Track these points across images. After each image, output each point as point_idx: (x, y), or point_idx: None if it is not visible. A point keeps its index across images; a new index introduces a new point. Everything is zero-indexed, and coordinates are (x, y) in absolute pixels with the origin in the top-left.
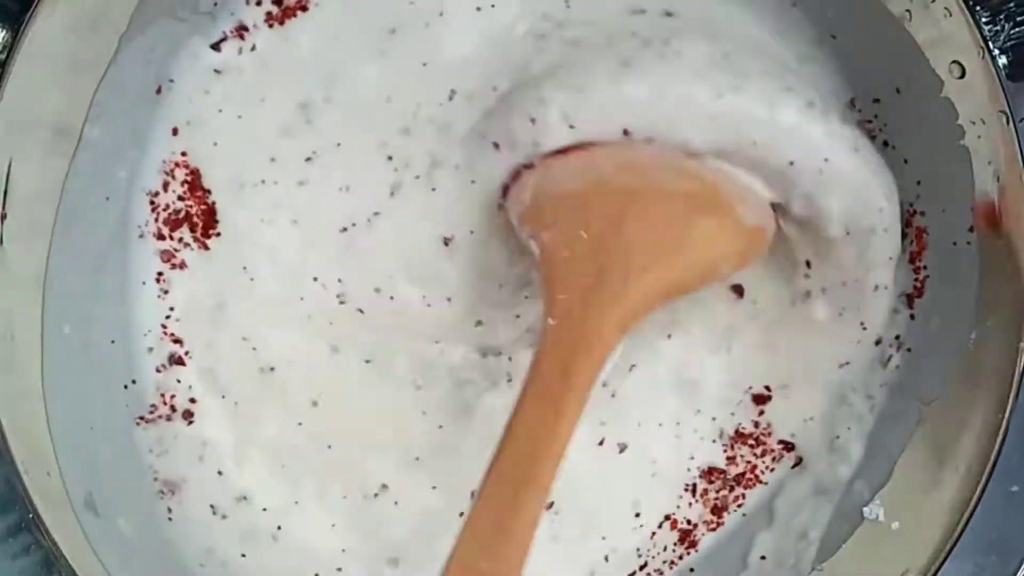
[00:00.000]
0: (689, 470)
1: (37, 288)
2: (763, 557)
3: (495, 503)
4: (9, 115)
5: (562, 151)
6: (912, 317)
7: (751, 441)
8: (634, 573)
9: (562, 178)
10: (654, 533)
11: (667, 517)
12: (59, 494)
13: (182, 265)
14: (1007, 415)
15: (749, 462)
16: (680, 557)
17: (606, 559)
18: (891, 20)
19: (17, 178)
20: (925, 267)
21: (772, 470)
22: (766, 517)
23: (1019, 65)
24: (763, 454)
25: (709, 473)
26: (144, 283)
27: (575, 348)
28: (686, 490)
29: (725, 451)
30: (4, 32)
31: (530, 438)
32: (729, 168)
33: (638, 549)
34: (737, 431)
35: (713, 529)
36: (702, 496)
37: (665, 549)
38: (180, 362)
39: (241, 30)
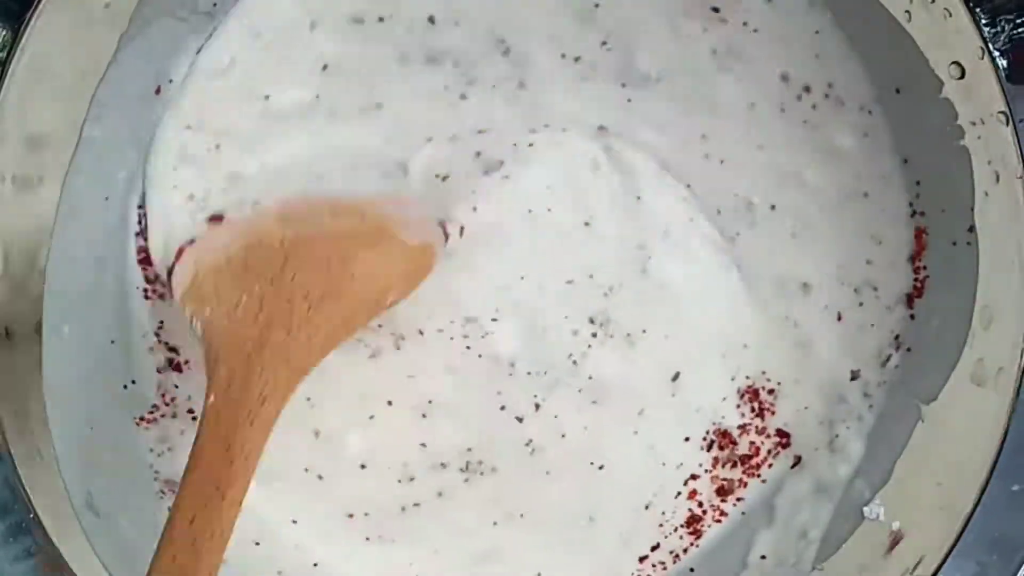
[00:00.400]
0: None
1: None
2: (763, 556)
3: None
4: (9, 113)
5: (218, 218)
6: (912, 317)
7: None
8: (645, 556)
9: (222, 247)
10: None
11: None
12: (59, 495)
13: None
14: (1008, 413)
15: (752, 442)
16: (684, 551)
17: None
18: (891, 20)
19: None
20: (925, 267)
21: (770, 465)
22: (766, 516)
23: (1019, 67)
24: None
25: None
26: (141, 287)
27: (236, 420)
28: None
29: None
30: (4, 31)
31: (194, 526)
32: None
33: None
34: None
35: (718, 520)
36: (712, 467)
37: (676, 530)
38: (178, 366)
39: None
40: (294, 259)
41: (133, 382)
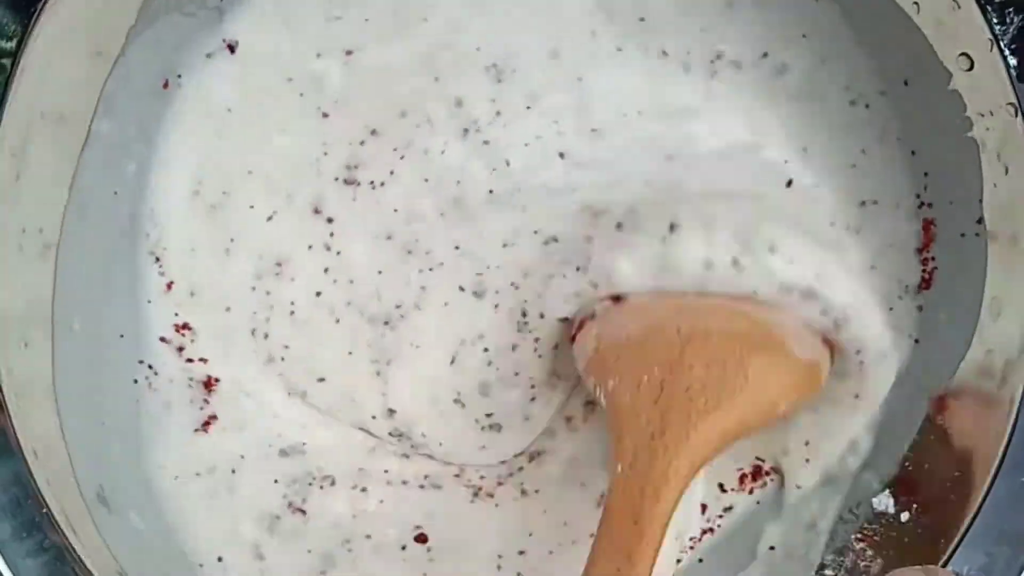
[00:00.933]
0: None
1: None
2: (772, 548)
3: None
4: (19, 108)
5: (618, 298)
6: (920, 309)
7: None
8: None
9: (622, 325)
10: None
11: None
12: (71, 489)
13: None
14: (1017, 405)
15: None
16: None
17: None
18: (899, 12)
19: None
20: (933, 259)
21: None
22: (775, 508)
23: None
24: None
25: None
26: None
27: (643, 493)
28: None
29: None
30: (14, 25)
31: None
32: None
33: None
34: None
35: (728, 509)
36: None
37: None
38: (189, 360)
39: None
40: (690, 350)
41: (146, 377)
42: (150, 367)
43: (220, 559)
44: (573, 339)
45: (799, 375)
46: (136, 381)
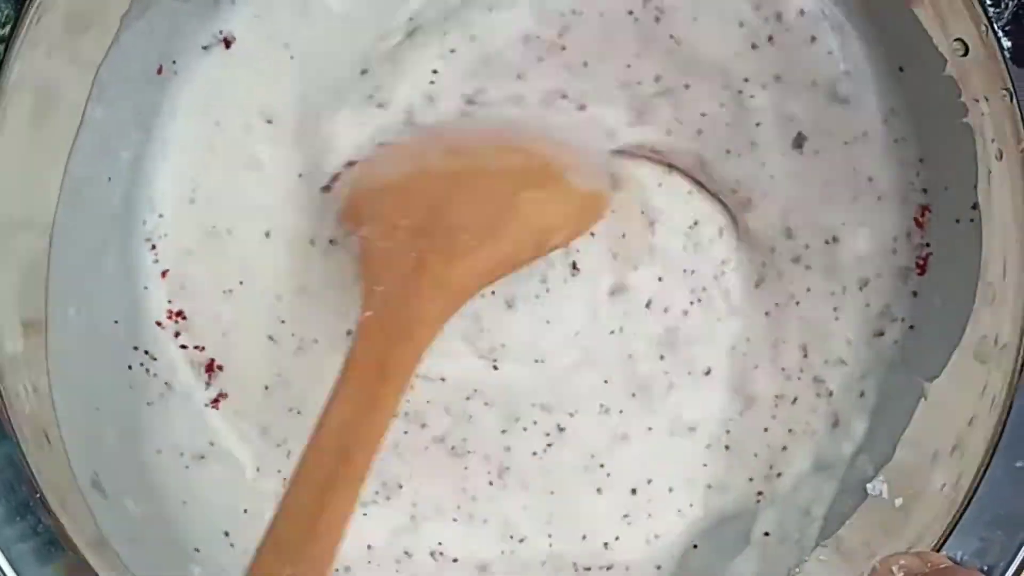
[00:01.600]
0: None
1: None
2: (767, 533)
3: (301, 505)
4: (12, 92)
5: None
6: (914, 294)
7: None
8: None
9: (382, 170)
10: None
11: None
12: (65, 475)
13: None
14: (1011, 390)
15: None
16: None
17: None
18: None
19: None
20: (927, 244)
21: None
22: (769, 493)
23: (1022, 46)
24: None
25: None
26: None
27: (391, 339)
28: None
29: None
30: (7, 9)
31: (343, 434)
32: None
33: None
34: None
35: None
36: None
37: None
38: (184, 346)
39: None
40: (458, 190)
41: (141, 363)
42: (146, 353)
43: (227, 533)
44: (324, 190)
45: (578, 206)
46: (131, 367)
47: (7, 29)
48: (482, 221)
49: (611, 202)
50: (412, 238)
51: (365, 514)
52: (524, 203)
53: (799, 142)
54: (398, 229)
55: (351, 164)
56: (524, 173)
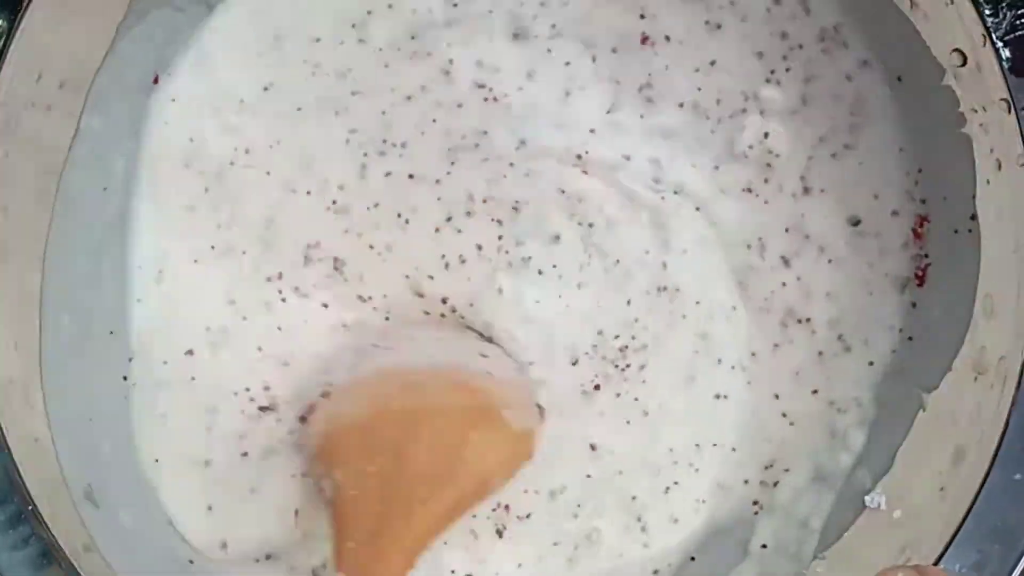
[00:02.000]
0: None
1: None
2: (764, 545)
3: None
4: (6, 102)
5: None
6: (913, 305)
7: None
8: None
9: (348, 409)
10: None
11: None
12: (58, 485)
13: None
14: (1010, 402)
15: None
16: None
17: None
18: (893, 7)
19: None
20: (926, 255)
21: None
22: (767, 505)
23: (1020, 55)
24: None
25: None
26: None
27: None
28: None
29: None
30: (1, 20)
31: None
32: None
33: None
34: None
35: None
36: None
37: None
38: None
39: None
40: (414, 433)
41: (137, 374)
42: (141, 364)
43: (223, 544)
44: (303, 420)
45: (514, 446)
46: (125, 378)
47: (1, 40)
48: (436, 469)
49: (539, 440)
50: (379, 487)
51: None
52: (471, 446)
53: None
54: (367, 476)
55: (325, 395)
56: (470, 412)
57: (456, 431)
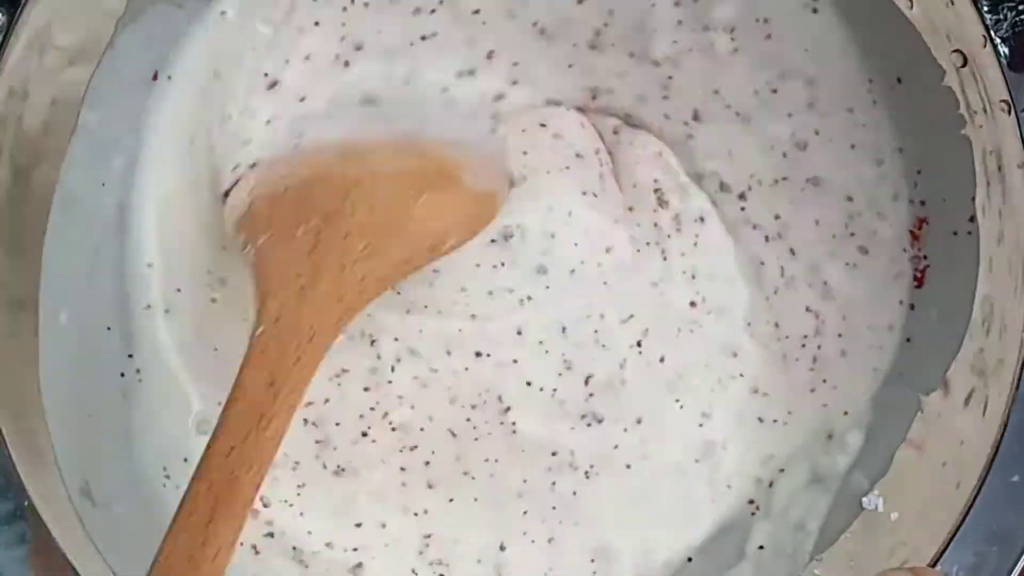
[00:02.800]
0: None
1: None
2: (761, 547)
3: (183, 542)
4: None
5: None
6: (912, 307)
7: None
8: None
9: (282, 176)
10: None
11: None
12: (55, 482)
13: None
14: (1008, 404)
15: None
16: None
17: None
18: (892, 8)
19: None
20: (925, 257)
21: None
22: (764, 507)
23: (1021, 55)
24: None
25: None
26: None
27: (284, 353)
28: None
29: None
30: (1, 16)
31: (231, 460)
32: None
33: None
34: None
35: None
36: None
37: None
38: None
39: None
40: (355, 195)
41: (136, 370)
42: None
43: None
44: (225, 195)
45: (472, 207)
46: (123, 375)
47: (1, 36)
48: (378, 228)
49: (505, 201)
50: (309, 247)
51: None
52: (420, 206)
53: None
54: (295, 238)
55: (253, 166)
56: (420, 176)
57: (403, 192)
